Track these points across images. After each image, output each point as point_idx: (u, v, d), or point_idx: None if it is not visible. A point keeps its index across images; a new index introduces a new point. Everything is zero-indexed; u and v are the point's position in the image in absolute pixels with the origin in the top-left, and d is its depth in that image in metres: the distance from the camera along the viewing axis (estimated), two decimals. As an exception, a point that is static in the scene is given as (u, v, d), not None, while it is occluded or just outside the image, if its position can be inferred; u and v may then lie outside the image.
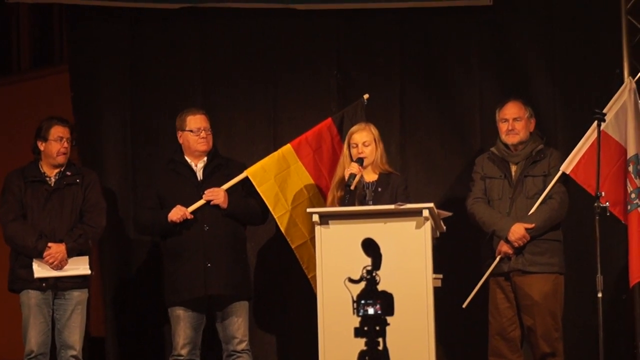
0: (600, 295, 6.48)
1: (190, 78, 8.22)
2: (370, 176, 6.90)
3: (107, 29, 8.26)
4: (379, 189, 6.83)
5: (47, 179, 7.14)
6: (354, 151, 6.88)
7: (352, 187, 6.66)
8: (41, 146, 7.15)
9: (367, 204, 6.72)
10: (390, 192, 6.80)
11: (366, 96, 7.56)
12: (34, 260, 6.98)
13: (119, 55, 8.28)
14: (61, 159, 7.13)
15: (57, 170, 7.15)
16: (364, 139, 6.89)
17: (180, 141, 7.25)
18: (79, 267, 7.06)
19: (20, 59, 13.83)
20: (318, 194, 7.30)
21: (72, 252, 7.02)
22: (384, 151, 6.97)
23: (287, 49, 8.23)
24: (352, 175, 6.69)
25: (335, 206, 6.75)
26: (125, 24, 8.25)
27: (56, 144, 7.11)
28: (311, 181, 7.32)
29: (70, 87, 8.31)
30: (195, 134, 7.17)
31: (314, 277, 6.85)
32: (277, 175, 7.22)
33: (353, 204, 6.64)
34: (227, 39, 8.24)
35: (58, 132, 7.12)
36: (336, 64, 8.20)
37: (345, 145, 6.96)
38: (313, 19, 8.14)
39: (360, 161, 6.81)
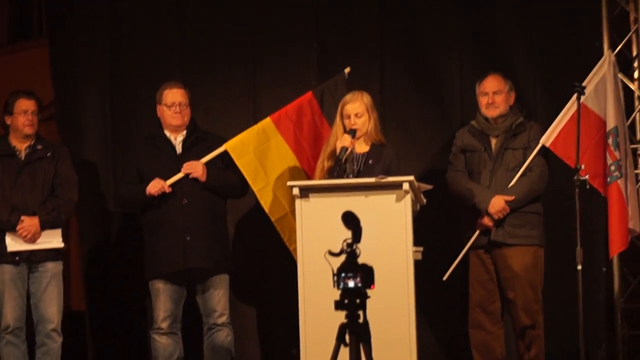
0: (579, 267, 6.49)
1: (169, 52, 8.18)
2: (361, 147, 6.83)
3: (87, 3, 8.22)
4: (370, 161, 6.77)
5: (17, 152, 7.10)
6: (346, 122, 6.78)
7: (343, 160, 6.61)
8: (8, 120, 7.13)
9: (358, 176, 6.66)
10: (382, 165, 6.74)
11: (347, 70, 7.53)
12: (7, 234, 6.95)
13: (99, 30, 8.25)
14: (28, 130, 7.08)
15: (27, 144, 7.12)
16: (357, 110, 6.79)
17: (158, 115, 7.23)
18: (52, 240, 7.04)
19: (-3, 34, 13.81)
20: (298, 167, 7.28)
21: (45, 225, 6.99)
22: (377, 121, 6.89)
23: (266, 23, 8.18)
24: (344, 149, 6.61)
25: (324, 177, 6.72)
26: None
27: (21, 117, 7.07)
28: (291, 154, 7.29)
29: (49, 61, 8.27)
30: (169, 108, 7.15)
31: (296, 249, 6.86)
32: (257, 149, 7.20)
33: (342, 175, 6.60)
34: (206, 12, 8.20)
35: (23, 105, 7.09)
36: (316, 37, 8.15)
37: (338, 115, 6.86)
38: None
39: (352, 132, 6.71)
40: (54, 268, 7.06)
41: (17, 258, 6.97)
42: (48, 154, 7.12)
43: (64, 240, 7.10)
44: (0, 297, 6.99)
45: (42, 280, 7.03)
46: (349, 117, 6.79)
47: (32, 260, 7.01)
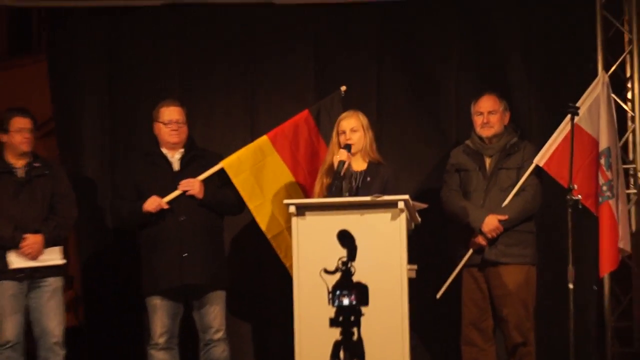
0: (571, 286, 6.52)
1: (168, 69, 8.20)
2: (359, 165, 6.84)
3: (85, 19, 8.23)
4: (368, 179, 6.78)
5: (14, 170, 7.08)
6: (342, 138, 6.81)
7: (342, 174, 6.61)
8: (4, 138, 7.09)
9: (357, 194, 6.67)
10: (380, 183, 6.74)
11: (343, 88, 7.55)
12: (10, 251, 6.95)
13: (98, 45, 8.26)
14: (25, 147, 7.06)
15: (24, 161, 7.10)
16: (352, 125, 6.82)
17: (155, 132, 7.25)
18: (54, 257, 7.04)
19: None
20: (295, 185, 7.30)
21: (48, 243, 7.00)
22: (373, 140, 6.91)
23: (265, 40, 8.22)
24: (342, 162, 6.62)
25: (323, 194, 6.73)
26: (103, 15, 8.21)
27: (18, 135, 7.05)
28: (288, 172, 7.31)
29: (48, 76, 8.28)
30: (166, 125, 7.16)
31: (292, 265, 6.91)
32: (253, 167, 7.21)
33: (341, 191, 6.60)
34: (204, 30, 8.23)
35: (19, 123, 7.06)
36: (314, 55, 8.20)
37: (334, 132, 6.88)
38: (291, 11, 8.15)
39: (348, 147, 6.73)
40: (54, 283, 7.06)
41: (21, 275, 6.97)
42: (46, 172, 7.11)
43: (64, 257, 7.14)
44: (1, 312, 6.96)
45: (43, 295, 7.03)
46: (344, 132, 6.82)
47: (34, 276, 7.01)
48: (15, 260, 6.96)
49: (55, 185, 7.13)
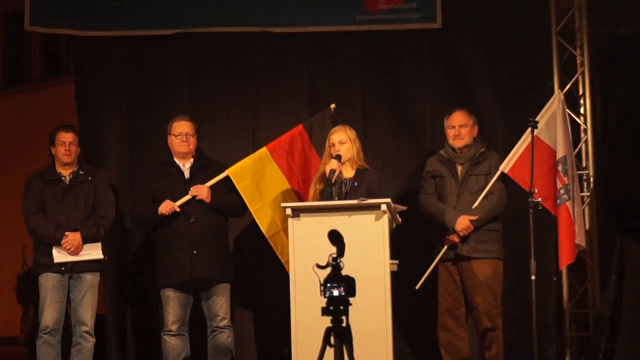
0: (533, 277, 6.51)
1: (179, 89, 8.15)
2: (348, 172, 6.84)
3: (107, 46, 8.19)
4: (355, 184, 6.78)
5: (63, 178, 7.14)
6: (332, 149, 6.82)
7: (333, 181, 6.60)
8: (52, 150, 7.19)
9: (345, 198, 6.67)
10: (366, 187, 6.75)
11: (333, 106, 7.52)
12: (54, 247, 6.96)
13: (118, 69, 8.22)
14: (66, 159, 7.11)
15: (71, 170, 7.15)
16: (340, 138, 6.82)
17: (169, 144, 7.22)
18: (93, 252, 7.05)
19: (31, 71, 13.75)
20: (290, 190, 7.26)
21: (86, 240, 7.01)
22: (360, 149, 6.91)
23: (263, 64, 8.18)
24: (332, 171, 6.63)
25: (316, 198, 6.72)
26: (123, 43, 8.18)
27: (61, 147, 7.12)
28: (284, 179, 7.27)
29: (75, 97, 8.24)
30: (177, 137, 7.14)
31: (288, 261, 6.85)
32: (254, 174, 7.19)
33: (331, 195, 6.57)
34: (210, 55, 8.19)
35: (62, 137, 7.14)
36: (307, 77, 8.16)
37: (327, 145, 6.90)
38: (286, 39, 8.11)
39: (338, 157, 6.74)
40: (91, 280, 7.08)
41: (62, 268, 6.99)
42: (89, 178, 7.16)
43: (103, 253, 7.11)
44: (43, 302, 7.00)
45: (81, 289, 7.04)
46: (334, 145, 6.83)
47: (75, 270, 7.01)
48: (58, 256, 6.98)
49: (96, 189, 7.16)
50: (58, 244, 6.95)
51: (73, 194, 7.09)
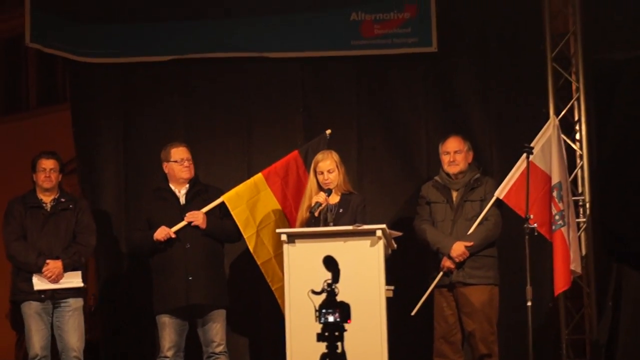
0: (529, 304, 6.51)
1: (175, 115, 8.17)
2: (333, 198, 6.82)
3: (104, 72, 8.20)
4: (340, 210, 6.77)
5: (44, 204, 7.12)
6: (320, 177, 6.81)
7: (317, 214, 6.62)
8: (34, 177, 7.17)
9: (329, 225, 6.67)
10: (351, 212, 6.75)
11: (328, 131, 7.51)
12: (34, 275, 6.94)
13: (114, 96, 8.23)
14: (46, 184, 7.10)
15: (52, 197, 7.13)
16: (328, 167, 6.81)
17: (166, 171, 7.20)
18: (73, 280, 7.02)
19: (28, 98, 13.78)
20: (283, 217, 7.26)
21: (67, 268, 6.98)
22: (345, 174, 6.90)
23: (259, 89, 8.19)
24: (318, 204, 6.64)
25: (303, 226, 6.72)
26: (119, 70, 8.20)
27: (41, 174, 7.11)
28: (278, 206, 7.27)
29: (71, 123, 8.26)
30: (179, 163, 7.14)
31: (277, 289, 6.94)
32: (249, 200, 7.18)
33: (318, 224, 6.61)
34: (206, 80, 8.21)
35: (43, 164, 7.13)
36: (302, 103, 8.17)
37: (312, 173, 6.89)
38: (282, 65, 8.13)
39: (328, 192, 6.74)
40: (75, 303, 7.04)
41: (42, 295, 6.96)
42: (70, 206, 7.14)
43: (83, 281, 7.08)
44: (28, 330, 6.97)
45: (64, 313, 7.01)
46: (322, 173, 6.82)
47: (55, 297, 6.99)
48: (38, 283, 6.95)
49: (77, 217, 7.13)
50: (39, 271, 6.93)
51: (54, 222, 7.07)
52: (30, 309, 6.95)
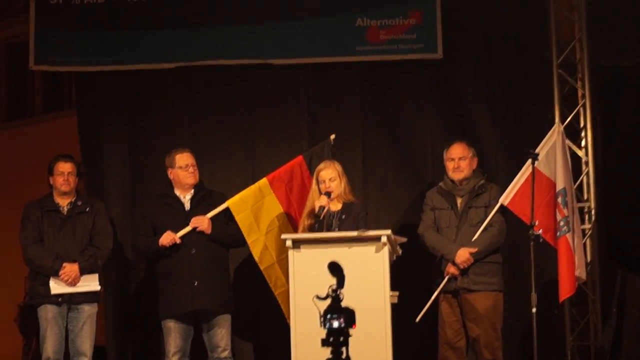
0: (534, 310, 6.51)
1: (179, 122, 8.22)
2: (335, 206, 6.87)
3: (109, 80, 8.25)
4: (343, 217, 6.81)
5: (60, 208, 7.16)
6: (322, 186, 6.87)
7: (322, 217, 6.65)
8: (51, 180, 7.20)
9: (333, 231, 6.70)
10: (353, 219, 6.78)
11: (332, 136, 7.55)
12: (51, 278, 6.99)
13: (120, 103, 8.29)
14: (64, 188, 7.14)
15: (68, 200, 7.16)
16: (330, 175, 6.88)
17: (171, 177, 7.23)
18: (90, 283, 7.06)
19: (34, 104, 13.81)
20: (287, 222, 7.28)
21: (84, 271, 7.02)
22: (347, 184, 6.95)
23: (264, 96, 8.23)
24: (322, 207, 6.68)
25: (305, 233, 6.74)
26: (125, 77, 8.24)
27: (59, 177, 7.14)
28: (282, 211, 7.30)
29: (77, 130, 8.31)
30: (184, 169, 7.17)
31: (280, 294, 6.98)
32: (253, 206, 7.21)
33: (321, 231, 6.63)
34: (211, 88, 8.25)
35: (60, 167, 7.16)
36: (306, 108, 8.20)
37: (314, 181, 6.94)
38: (286, 71, 8.16)
39: (328, 195, 6.79)
40: (89, 310, 7.09)
41: (59, 299, 7.00)
42: (87, 209, 7.18)
43: (100, 284, 7.13)
44: (43, 333, 7.01)
45: (79, 320, 7.05)
46: (324, 181, 6.88)
47: (72, 301, 7.03)
48: (55, 287, 7.00)
49: (94, 220, 7.17)
50: (56, 274, 6.97)
51: (71, 225, 7.10)
52: (47, 312, 7.00)
